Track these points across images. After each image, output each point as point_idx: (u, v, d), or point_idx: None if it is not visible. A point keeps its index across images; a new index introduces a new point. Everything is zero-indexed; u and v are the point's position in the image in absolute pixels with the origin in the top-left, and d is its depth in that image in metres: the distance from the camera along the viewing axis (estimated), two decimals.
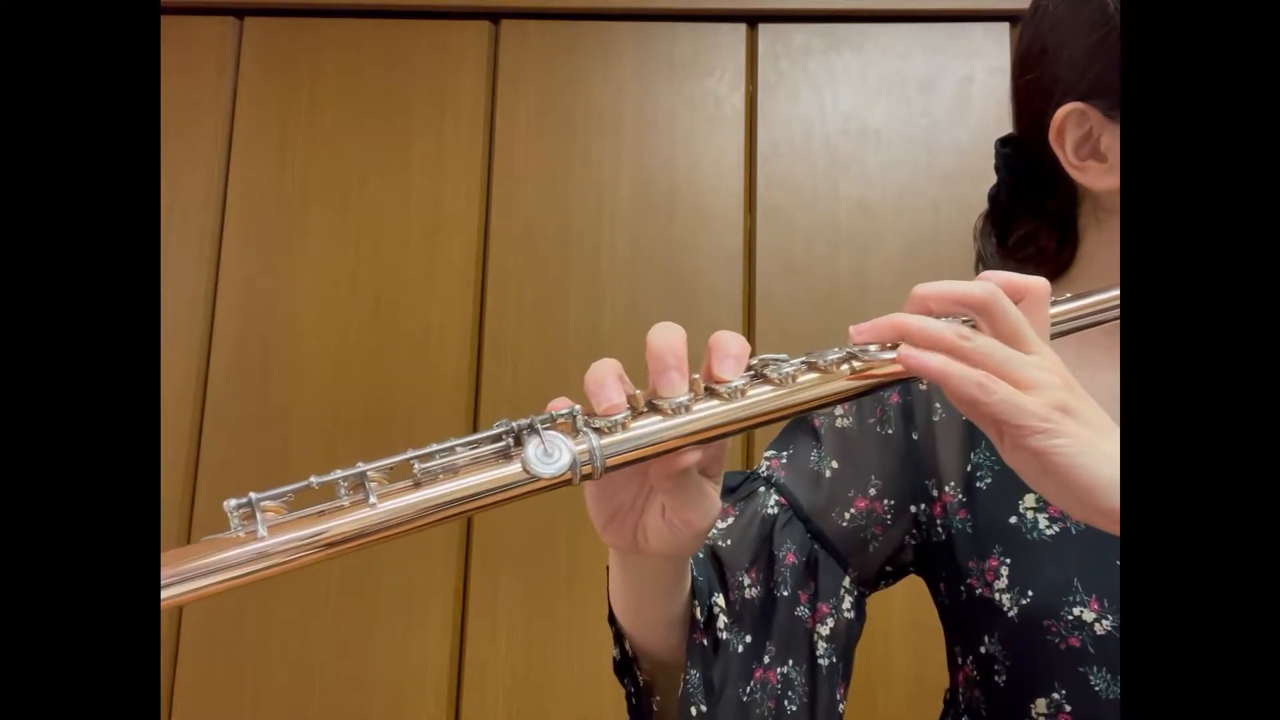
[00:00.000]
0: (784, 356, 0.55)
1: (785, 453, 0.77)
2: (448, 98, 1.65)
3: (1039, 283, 0.57)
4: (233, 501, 0.47)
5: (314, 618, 1.52)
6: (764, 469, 0.77)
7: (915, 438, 0.76)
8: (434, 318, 1.59)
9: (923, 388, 0.77)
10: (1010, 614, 0.69)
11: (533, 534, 1.53)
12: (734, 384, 0.53)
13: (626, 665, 0.70)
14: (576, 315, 1.59)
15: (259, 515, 0.46)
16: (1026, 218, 0.79)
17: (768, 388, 0.54)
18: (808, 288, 1.57)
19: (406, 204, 1.62)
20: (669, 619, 0.67)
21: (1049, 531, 0.69)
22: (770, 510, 0.74)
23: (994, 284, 0.56)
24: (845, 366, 0.55)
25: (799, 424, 0.78)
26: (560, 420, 0.52)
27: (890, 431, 0.76)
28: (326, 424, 1.57)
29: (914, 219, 1.58)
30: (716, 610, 0.69)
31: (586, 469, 0.51)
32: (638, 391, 0.54)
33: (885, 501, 0.75)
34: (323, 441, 1.56)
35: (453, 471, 0.49)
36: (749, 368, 0.55)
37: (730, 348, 0.55)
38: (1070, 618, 0.67)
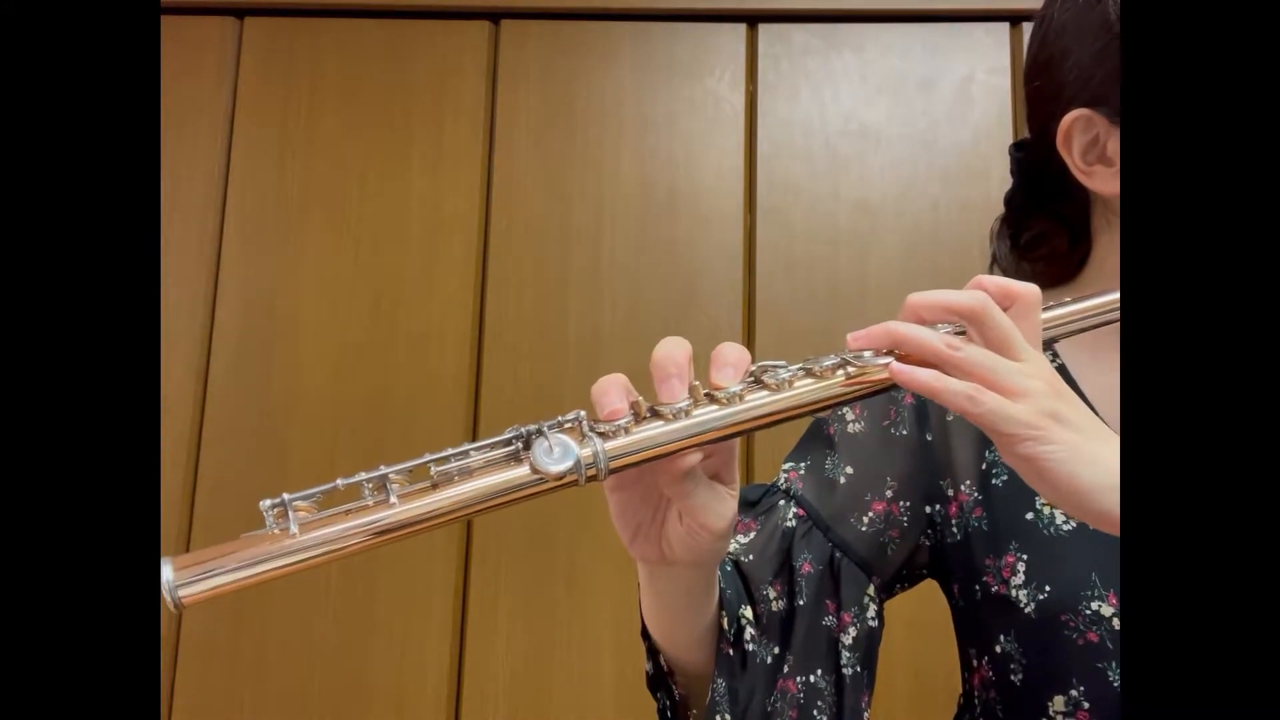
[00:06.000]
0: (782, 363, 0.57)
1: (803, 463, 0.77)
2: (448, 98, 1.64)
3: (1029, 289, 0.58)
4: (268, 501, 0.50)
5: (314, 618, 1.52)
6: (782, 481, 0.77)
7: (929, 438, 0.76)
8: (434, 318, 1.59)
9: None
10: (1027, 610, 0.69)
11: (533, 534, 1.53)
12: (731, 389, 0.55)
13: (660, 679, 0.70)
14: (576, 315, 1.58)
15: (291, 514, 0.49)
16: (1039, 218, 0.80)
17: (764, 393, 0.56)
18: (808, 288, 1.57)
19: (406, 204, 1.62)
20: (699, 631, 0.68)
21: (1066, 527, 0.69)
22: (789, 523, 0.74)
23: (984, 292, 0.57)
24: (840, 372, 0.57)
25: (815, 433, 0.79)
26: (567, 425, 0.54)
27: (904, 433, 0.77)
28: (326, 424, 1.57)
29: (914, 219, 1.58)
30: (744, 623, 0.70)
31: (590, 471, 0.53)
32: (641, 399, 0.55)
33: (901, 503, 0.75)
34: (323, 441, 1.56)
35: (467, 474, 0.52)
36: (749, 373, 0.57)
37: (729, 357, 0.57)
38: (1088, 612, 0.66)
